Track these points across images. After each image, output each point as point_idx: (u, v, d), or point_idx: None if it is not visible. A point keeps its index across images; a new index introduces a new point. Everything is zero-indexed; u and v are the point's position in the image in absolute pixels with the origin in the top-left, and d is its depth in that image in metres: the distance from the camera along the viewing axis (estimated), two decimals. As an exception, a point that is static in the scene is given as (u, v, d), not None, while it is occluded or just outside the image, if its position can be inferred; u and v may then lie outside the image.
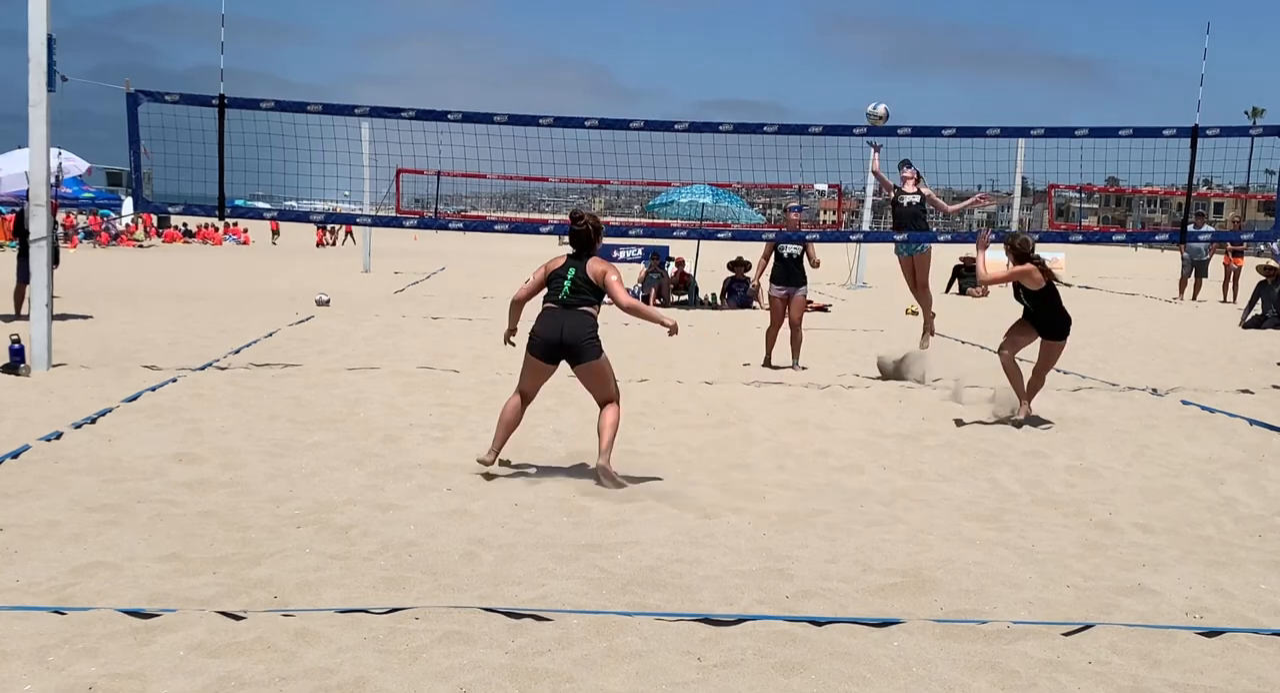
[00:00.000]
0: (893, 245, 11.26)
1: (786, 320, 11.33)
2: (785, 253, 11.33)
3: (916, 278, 11.17)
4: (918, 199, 10.86)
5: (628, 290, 6.39)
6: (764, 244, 11.89)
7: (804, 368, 11.20)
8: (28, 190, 9.98)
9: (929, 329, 11.26)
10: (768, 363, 11.39)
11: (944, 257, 27.79)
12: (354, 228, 31.21)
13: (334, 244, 44.59)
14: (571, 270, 6.35)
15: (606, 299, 6.40)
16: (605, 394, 6.36)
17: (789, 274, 11.32)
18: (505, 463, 6.50)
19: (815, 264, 11.46)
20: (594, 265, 6.36)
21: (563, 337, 6.22)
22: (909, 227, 10.91)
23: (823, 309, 18.95)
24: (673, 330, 6.36)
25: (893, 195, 11.09)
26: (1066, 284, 8.51)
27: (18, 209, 14.81)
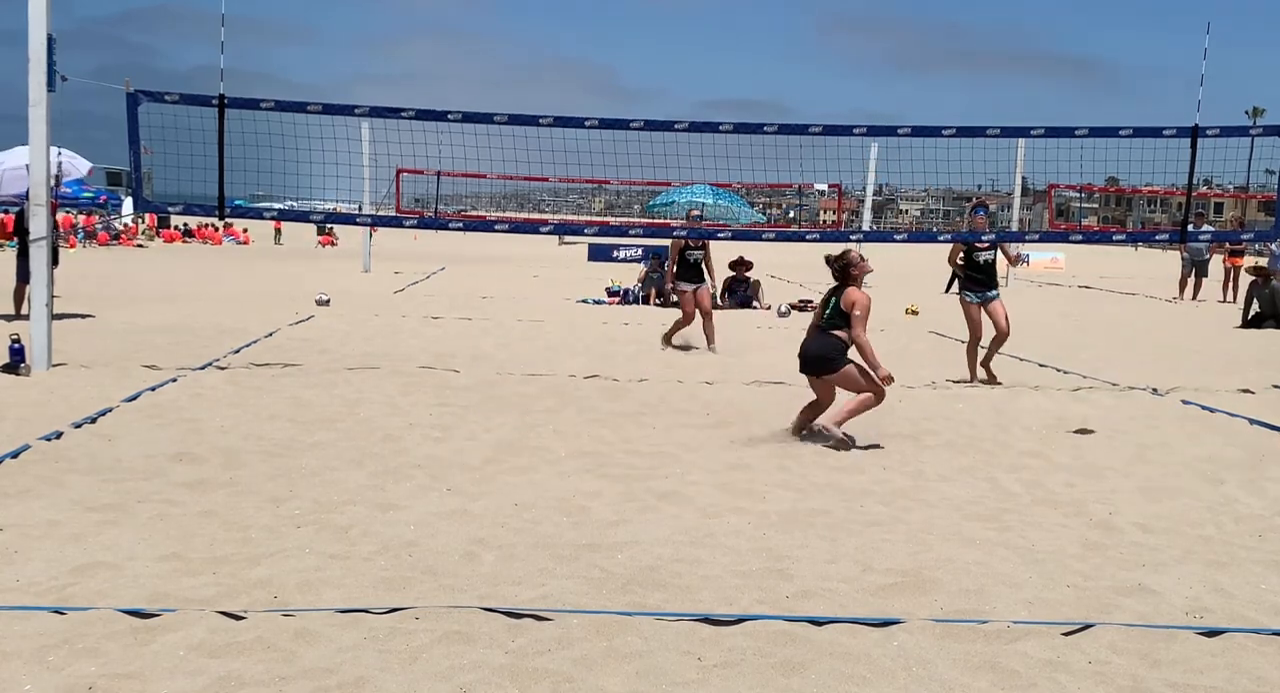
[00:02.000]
0: (960, 289, 10.70)
1: (698, 310, 12.51)
2: (691, 259, 12.47)
3: (998, 321, 10.44)
4: (993, 256, 10.50)
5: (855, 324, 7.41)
6: (672, 242, 12.75)
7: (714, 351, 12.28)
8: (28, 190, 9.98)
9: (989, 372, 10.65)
10: (669, 344, 12.49)
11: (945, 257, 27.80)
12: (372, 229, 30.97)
13: (335, 244, 44.55)
14: (832, 299, 7.58)
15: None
16: (859, 392, 7.42)
17: (693, 273, 12.52)
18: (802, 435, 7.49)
19: (711, 276, 12.76)
20: (848, 297, 7.48)
21: (807, 353, 7.55)
22: (988, 280, 10.50)
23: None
24: (886, 380, 7.34)
25: (963, 251, 10.52)
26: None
27: (17, 209, 14.78)
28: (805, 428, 7.56)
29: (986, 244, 10.52)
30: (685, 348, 12.45)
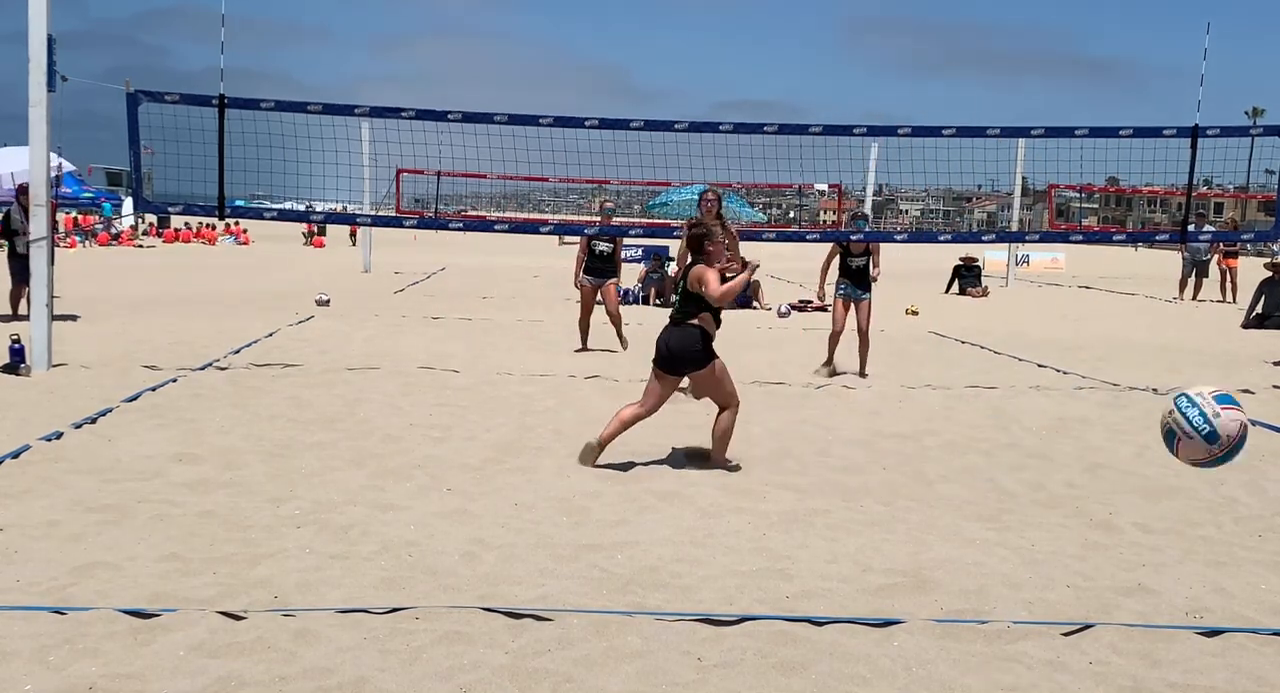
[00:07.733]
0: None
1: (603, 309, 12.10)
2: (598, 250, 12.07)
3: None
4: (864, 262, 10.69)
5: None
6: (580, 239, 12.29)
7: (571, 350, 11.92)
8: (11, 189, 9.99)
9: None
10: (584, 348, 11.98)
11: (945, 257, 27.78)
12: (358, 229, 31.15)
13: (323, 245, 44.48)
14: (680, 283, 6.62)
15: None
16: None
17: (601, 267, 12.10)
18: None
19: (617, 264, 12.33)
20: (693, 274, 6.59)
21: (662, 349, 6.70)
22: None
23: (823, 309, 18.94)
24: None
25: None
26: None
27: (6, 210, 14.69)
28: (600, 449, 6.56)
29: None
30: (591, 349, 11.94)
